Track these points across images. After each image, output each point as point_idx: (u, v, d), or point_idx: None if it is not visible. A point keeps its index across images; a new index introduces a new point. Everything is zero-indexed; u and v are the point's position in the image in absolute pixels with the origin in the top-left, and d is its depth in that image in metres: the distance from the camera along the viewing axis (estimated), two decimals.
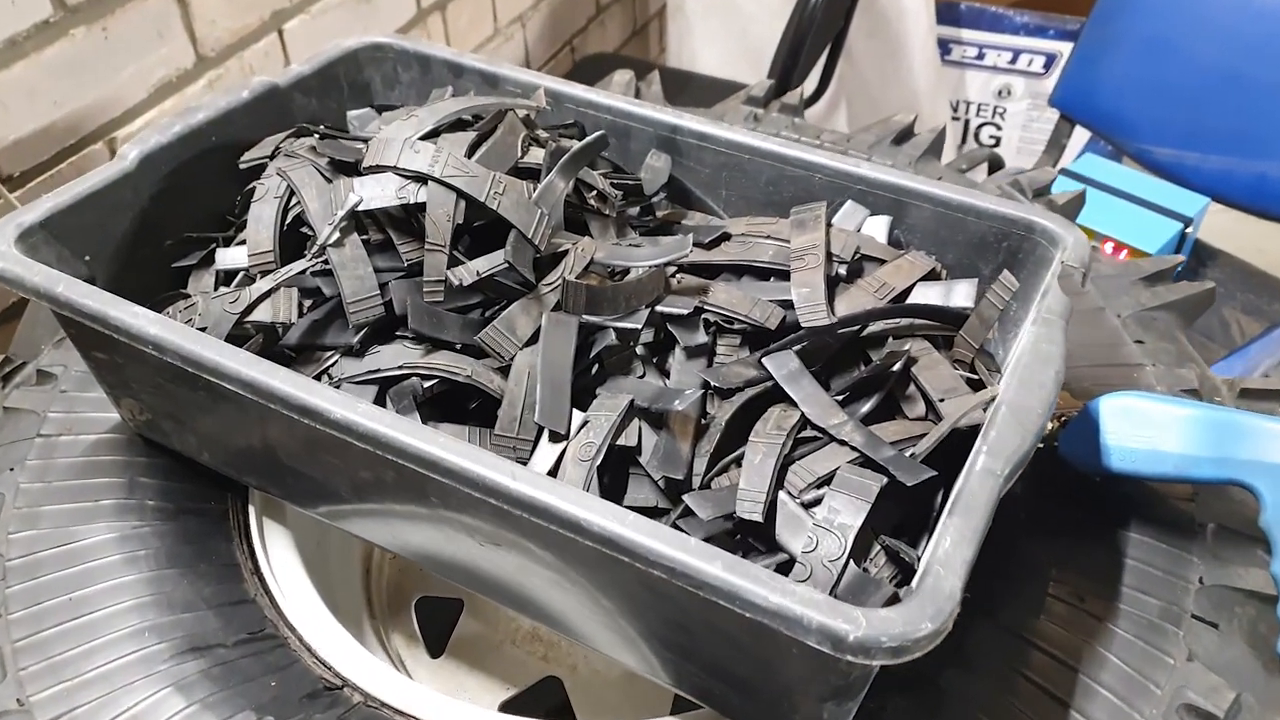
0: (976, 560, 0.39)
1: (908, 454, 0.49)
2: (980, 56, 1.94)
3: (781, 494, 0.49)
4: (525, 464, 0.52)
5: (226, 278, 0.56)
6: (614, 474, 0.52)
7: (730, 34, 1.86)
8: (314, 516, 0.59)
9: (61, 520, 0.58)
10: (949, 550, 0.39)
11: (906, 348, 0.55)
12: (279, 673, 0.53)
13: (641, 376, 0.56)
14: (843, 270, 0.61)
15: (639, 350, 0.57)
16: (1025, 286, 0.58)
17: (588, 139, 0.59)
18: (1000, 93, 1.97)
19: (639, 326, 0.55)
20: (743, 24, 1.83)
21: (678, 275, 0.61)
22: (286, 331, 0.52)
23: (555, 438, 0.52)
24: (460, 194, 0.54)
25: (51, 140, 0.94)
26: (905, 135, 0.92)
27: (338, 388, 0.52)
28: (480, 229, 0.56)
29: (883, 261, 0.62)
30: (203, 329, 0.51)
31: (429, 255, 0.54)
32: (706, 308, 0.58)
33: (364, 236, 0.55)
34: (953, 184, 0.62)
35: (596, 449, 0.51)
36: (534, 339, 0.53)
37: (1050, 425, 0.58)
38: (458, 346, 0.53)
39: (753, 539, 0.49)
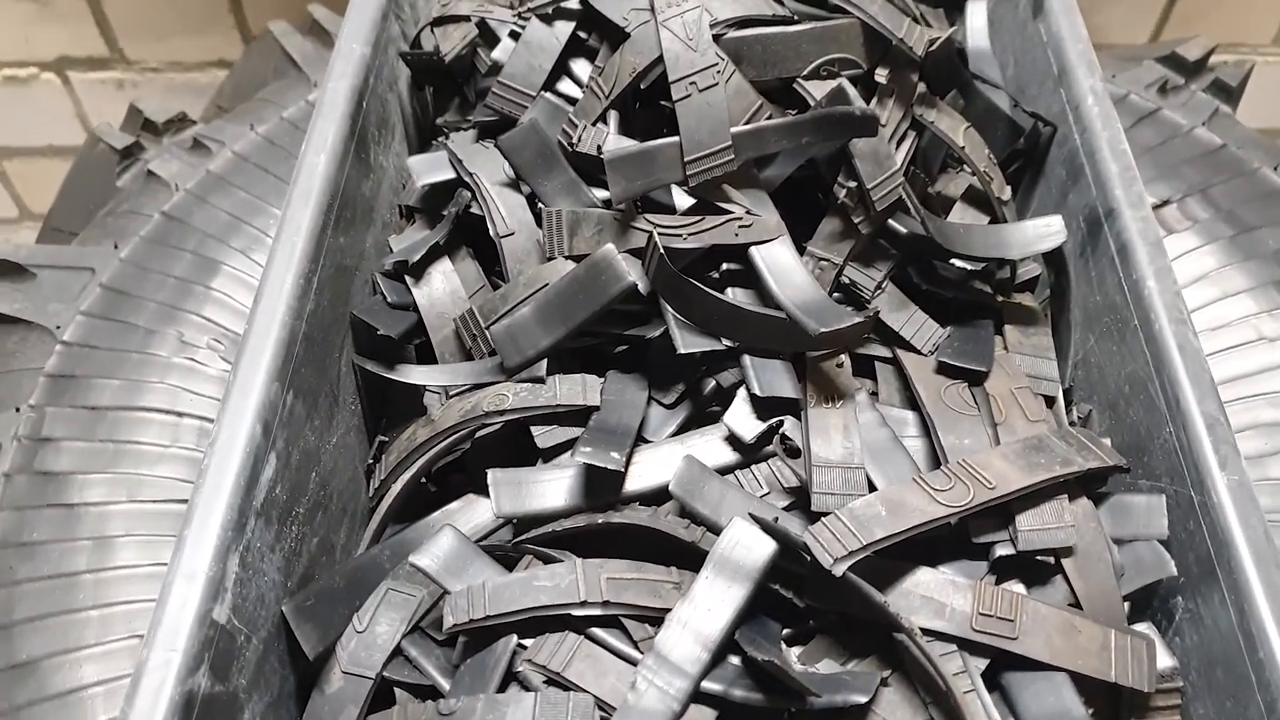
0: None
1: None
2: None
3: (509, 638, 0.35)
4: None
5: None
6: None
7: None
8: None
9: None
10: None
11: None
12: None
13: (670, 403, 0.42)
14: (1001, 550, 0.36)
15: (708, 383, 0.41)
16: None
17: (847, 110, 0.39)
18: None
19: (684, 351, 0.39)
20: None
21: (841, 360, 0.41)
22: (440, 56, 0.47)
23: (502, 369, 0.42)
24: (661, 56, 0.41)
25: None
26: None
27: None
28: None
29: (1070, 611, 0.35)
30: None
31: (587, 95, 0.43)
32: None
33: (583, 34, 0.45)
34: None
35: (527, 408, 0.40)
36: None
37: None
38: (525, 190, 0.43)
39: None
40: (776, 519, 0.35)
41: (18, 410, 0.48)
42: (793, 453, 0.39)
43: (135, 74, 1.08)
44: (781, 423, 0.39)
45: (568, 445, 0.40)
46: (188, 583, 0.29)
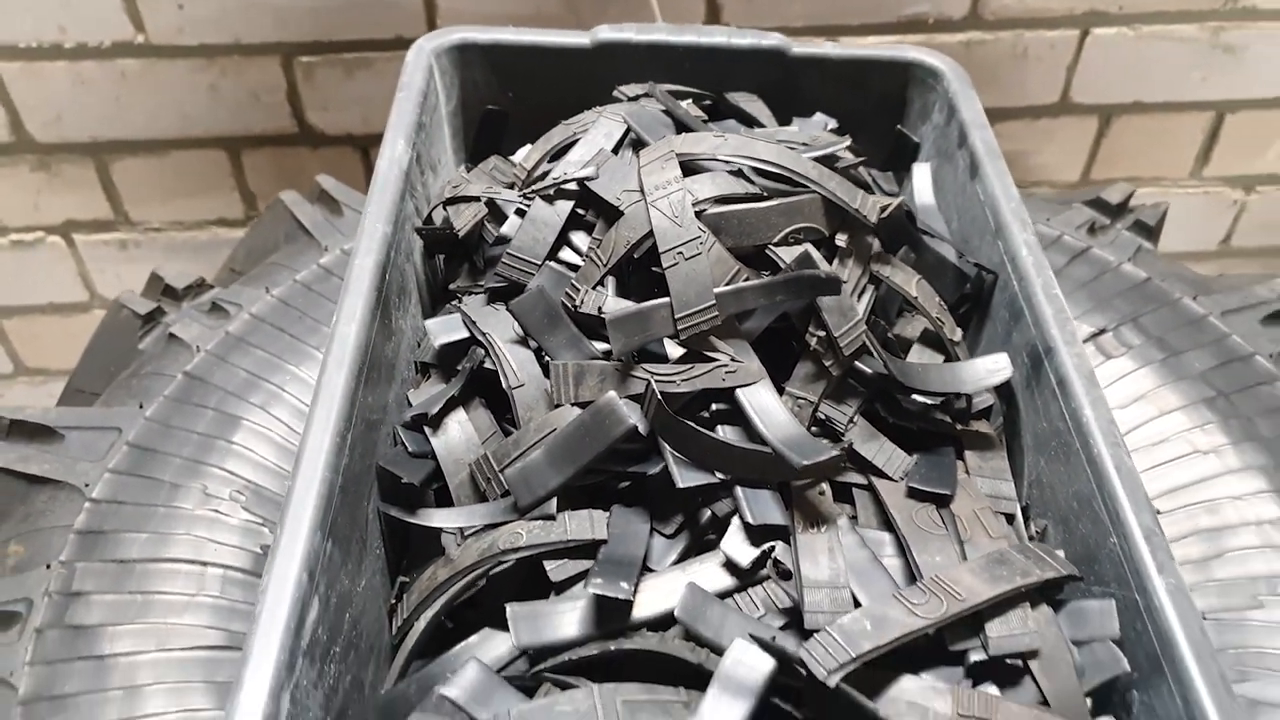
0: None
1: None
2: None
3: None
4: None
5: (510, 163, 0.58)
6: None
7: None
8: None
9: None
10: None
11: None
12: None
13: (671, 533, 0.46)
14: (974, 656, 0.39)
15: (704, 514, 0.46)
16: None
17: (814, 273, 0.45)
18: None
19: (683, 485, 0.44)
20: None
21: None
22: (456, 233, 0.53)
23: (515, 508, 0.46)
24: (651, 231, 0.47)
25: None
26: None
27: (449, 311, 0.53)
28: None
29: None
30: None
31: (588, 264, 0.49)
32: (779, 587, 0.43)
33: (581, 210, 0.51)
34: None
35: (540, 544, 0.44)
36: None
37: None
38: (533, 345, 0.48)
39: None
40: (774, 638, 0.39)
41: (48, 567, 0.51)
42: (785, 575, 0.43)
43: (138, 234, 1.14)
44: (773, 548, 0.43)
45: (579, 578, 0.44)
46: None
